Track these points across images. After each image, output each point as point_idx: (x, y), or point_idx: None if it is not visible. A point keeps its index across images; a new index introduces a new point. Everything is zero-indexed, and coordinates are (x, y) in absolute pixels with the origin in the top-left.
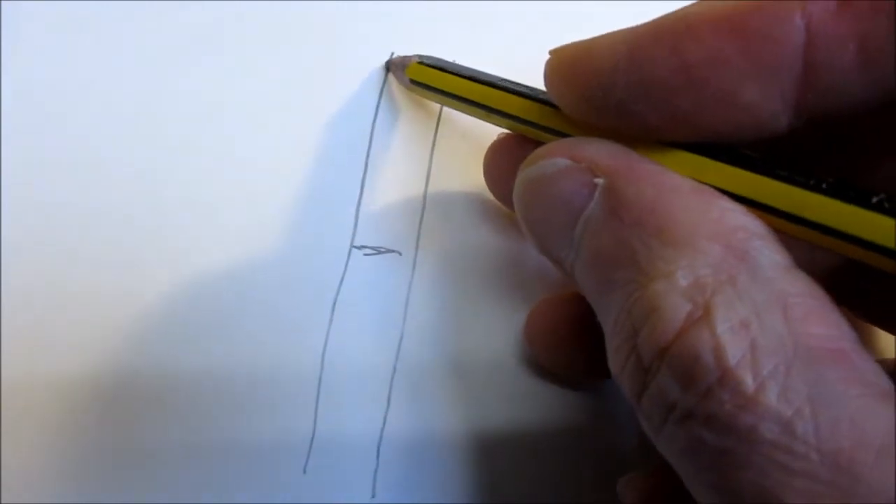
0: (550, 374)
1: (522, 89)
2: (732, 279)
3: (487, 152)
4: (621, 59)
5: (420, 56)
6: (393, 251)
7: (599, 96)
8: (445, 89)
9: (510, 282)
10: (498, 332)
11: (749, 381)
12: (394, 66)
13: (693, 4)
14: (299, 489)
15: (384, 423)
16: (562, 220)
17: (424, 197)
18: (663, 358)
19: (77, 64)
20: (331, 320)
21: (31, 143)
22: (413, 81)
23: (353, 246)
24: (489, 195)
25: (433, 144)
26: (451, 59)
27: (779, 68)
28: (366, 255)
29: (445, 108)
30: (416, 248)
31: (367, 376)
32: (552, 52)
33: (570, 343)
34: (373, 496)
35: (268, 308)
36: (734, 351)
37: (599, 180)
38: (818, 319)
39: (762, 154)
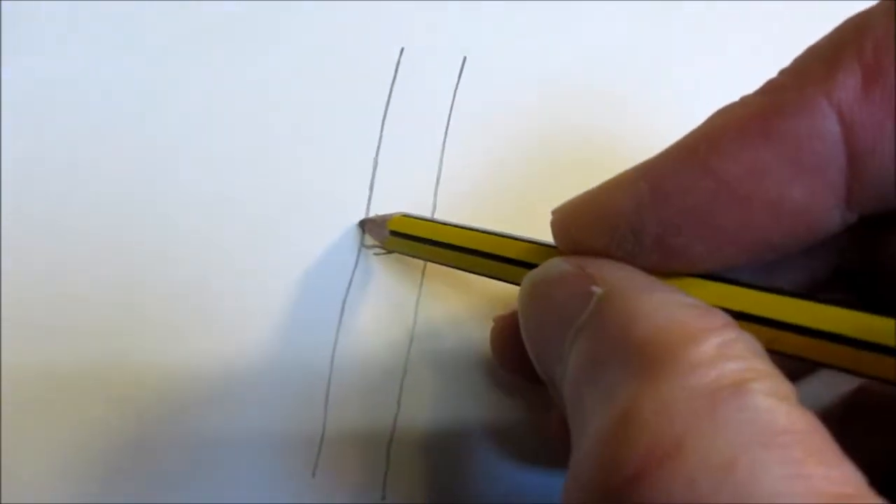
0: None
1: (519, 236)
2: (714, 409)
3: (493, 330)
4: (645, 196)
5: (402, 213)
6: None
7: (630, 239)
8: (435, 238)
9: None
10: None
11: None
12: (370, 224)
13: (707, 120)
14: (309, 490)
15: (394, 424)
16: (556, 328)
17: (435, 195)
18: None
19: (77, 64)
20: (340, 321)
21: (31, 143)
22: (394, 233)
23: (362, 245)
24: (498, 198)
25: (444, 144)
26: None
27: (822, 165)
28: (375, 254)
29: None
30: None
31: (377, 377)
32: (555, 212)
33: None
34: (383, 497)
35: (276, 308)
36: (718, 500)
37: (597, 289)
38: (820, 460)
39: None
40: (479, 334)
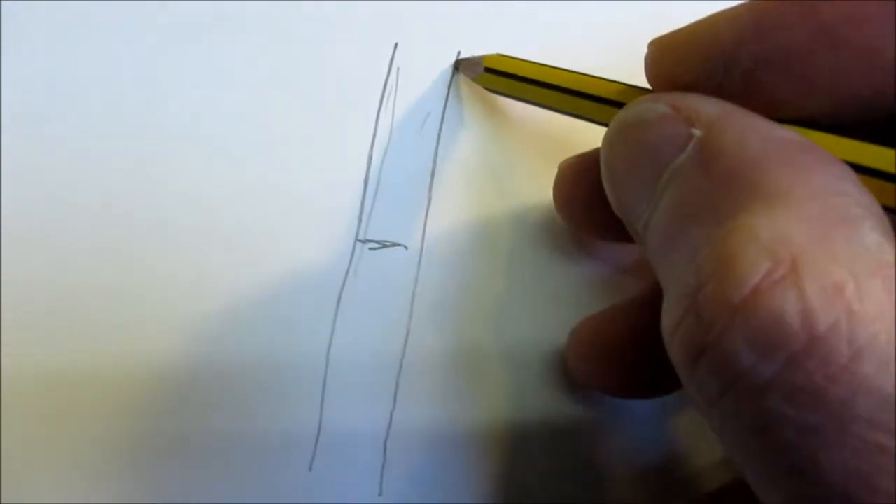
0: (559, 370)
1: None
2: (826, 238)
3: (559, 175)
4: (747, 30)
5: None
6: (398, 245)
7: (720, 72)
8: (530, 76)
9: (517, 275)
10: (505, 326)
11: (843, 350)
12: (465, 63)
13: None
14: (305, 487)
15: (391, 420)
16: (647, 170)
17: (430, 190)
18: (733, 318)
19: (77, 63)
20: (335, 316)
21: (31, 143)
22: (489, 70)
23: (357, 240)
24: (494, 188)
25: (438, 138)
26: None
27: None
28: (371, 249)
29: (449, 107)
30: (422, 241)
31: (372, 373)
32: (652, 42)
33: (619, 360)
34: (379, 494)
35: (271, 304)
36: (826, 316)
37: (697, 131)
38: None
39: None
40: (476, 331)
